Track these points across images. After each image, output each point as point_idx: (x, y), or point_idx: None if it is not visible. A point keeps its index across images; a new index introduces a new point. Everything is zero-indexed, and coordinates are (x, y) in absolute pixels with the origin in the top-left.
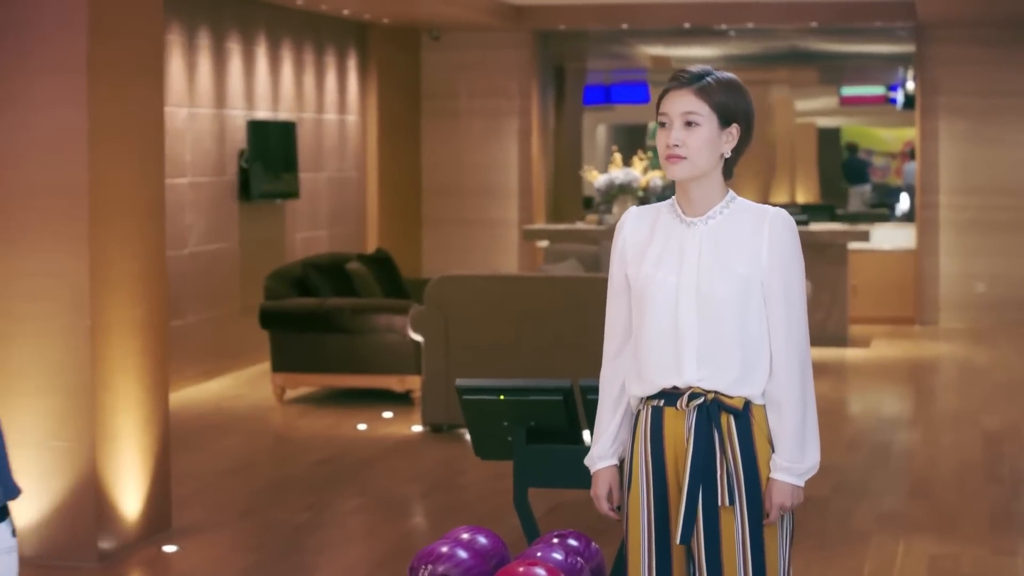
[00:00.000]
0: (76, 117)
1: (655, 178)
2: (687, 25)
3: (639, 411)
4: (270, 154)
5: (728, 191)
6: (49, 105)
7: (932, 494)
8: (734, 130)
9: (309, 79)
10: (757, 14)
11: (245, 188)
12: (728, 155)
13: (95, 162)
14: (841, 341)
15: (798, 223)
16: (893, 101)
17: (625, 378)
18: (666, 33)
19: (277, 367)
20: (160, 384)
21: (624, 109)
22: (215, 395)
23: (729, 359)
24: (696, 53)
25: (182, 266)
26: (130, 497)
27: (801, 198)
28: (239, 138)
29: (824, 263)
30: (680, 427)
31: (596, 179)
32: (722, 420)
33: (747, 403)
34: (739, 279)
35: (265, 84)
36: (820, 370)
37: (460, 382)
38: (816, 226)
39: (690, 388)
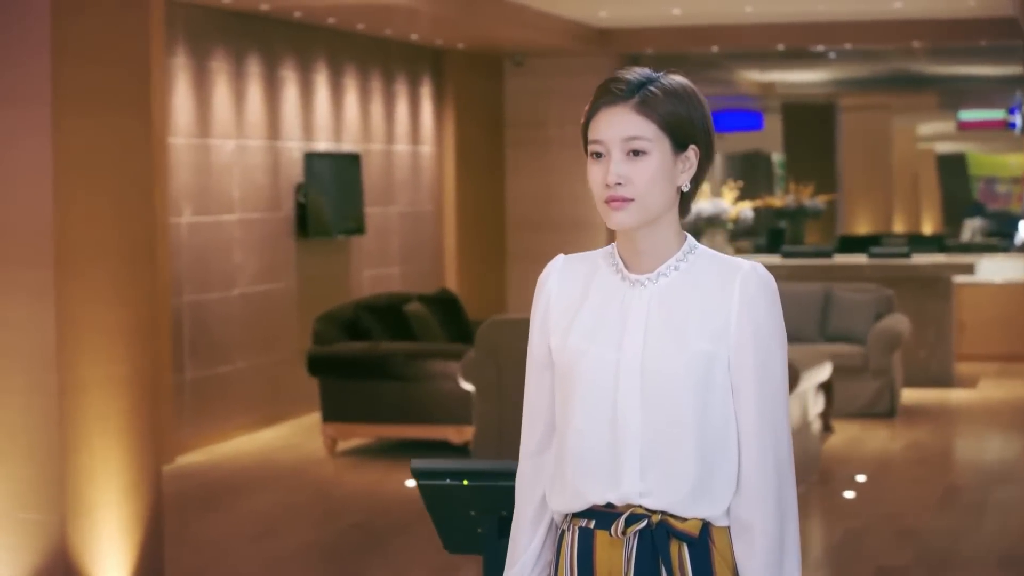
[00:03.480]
0: (39, 151)
1: (745, 209)
2: (781, 47)
3: (563, 530)
4: (331, 187)
5: (686, 237)
6: (8, 137)
7: None
8: (691, 153)
9: (377, 108)
10: (854, 34)
11: (303, 224)
12: (686, 187)
13: (61, 201)
14: (946, 381)
15: (899, 256)
16: (1012, 125)
17: (546, 488)
18: (762, 56)
19: (328, 416)
20: (150, 448)
21: (736, 137)
22: (265, 446)
23: (683, 466)
24: (799, 78)
25: (231, 308)
26: (111, 573)
27: (925, 228)
28: (296, 171)
29: (927, 298)
30: (616, 558)
31: None
32: (672, 550)
33: (706, 526)
34: (698, 357)
35: (325, 114)
36: (921, 414)
37: (416, 464)
38: (918, 258)
39: (629, 508)
